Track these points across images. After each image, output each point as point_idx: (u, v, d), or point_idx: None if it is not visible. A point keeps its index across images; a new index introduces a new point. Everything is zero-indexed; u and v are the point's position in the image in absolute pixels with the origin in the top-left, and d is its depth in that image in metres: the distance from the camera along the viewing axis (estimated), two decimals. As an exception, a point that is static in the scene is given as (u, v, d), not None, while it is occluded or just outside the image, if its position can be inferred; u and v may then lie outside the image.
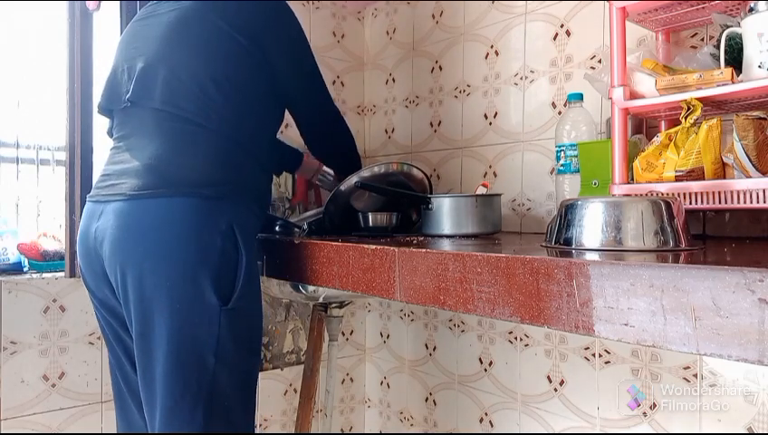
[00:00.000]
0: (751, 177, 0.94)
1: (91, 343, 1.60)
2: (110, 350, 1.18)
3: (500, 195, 1.32)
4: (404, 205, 1.37)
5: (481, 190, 1.38)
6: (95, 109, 1.32)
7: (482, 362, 1.72)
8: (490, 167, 1.70)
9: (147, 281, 0.99)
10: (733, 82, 0.94)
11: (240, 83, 1.09)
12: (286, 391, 1.95)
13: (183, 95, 1.06)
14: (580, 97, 1.28)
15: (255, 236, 1.14)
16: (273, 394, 1.91)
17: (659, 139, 1.04)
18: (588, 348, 1.43)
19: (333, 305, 1.64)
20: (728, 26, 0.99)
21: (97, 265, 1.07)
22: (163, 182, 1.02)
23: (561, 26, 1.50)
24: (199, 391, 0.99)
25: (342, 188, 1.28)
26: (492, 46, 1.69)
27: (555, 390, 1.51)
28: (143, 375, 1.03)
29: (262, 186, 1.19)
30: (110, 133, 1.21)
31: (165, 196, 1.01)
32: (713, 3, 1.07)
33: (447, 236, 1.23)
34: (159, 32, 1.11)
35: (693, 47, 1.24)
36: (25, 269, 1.56)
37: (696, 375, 1.22)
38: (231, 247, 1.03)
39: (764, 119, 0.95)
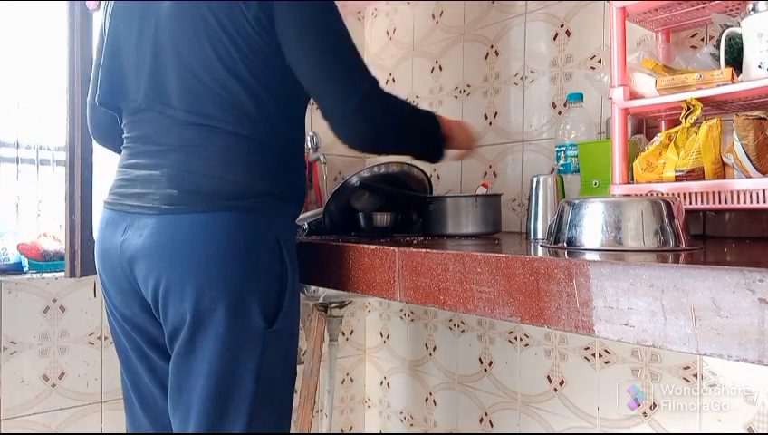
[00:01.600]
0: (751, 177, 0.94)
1: (91, 343, 1.60)
2: (126, 366, 1.09)
3: (500, 195, 1.33)
4: (404, 205, 1.36)
5: (481, 190, 1.39)
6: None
7: (482, 362, 1.72)
8: (490, 167, 1.70)
9: (188, 302, 0.91)
10: (733, 82, 0.94)
11: (265, 75, 0.95)
12: (286, 391, 1.95)
13: (207, 99, 0.94)
14: (580, 97, 1.28)
15: (295, 245, 1.04)
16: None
17: (659, 139, 1.04)
18: (588, 348, 1.43)
19: (333, 305, 1.64)
20: (728, 26, 0.99)
21: (124, 281, 0.98)
22: (199, 195, 0.92)
23: (561, 26, 1.50)
24: (237, 417, 0.94)
25: (341, 187, 1.27)
26: (492, 46, 1.69)
27: (555, 390, 1.51)
28: (178, 395, 0.97)
29: (299, 186, 1.07)
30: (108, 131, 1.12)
31: (203, 210, 0.92)
32: (713, 3, 1.07)
33: (448, 236, 1.23)
34: (163, 9, 0.96)
35: (693, 47, 1.24)
36: (25, 269, 1.56)
37: (696, 375, 1.22)
38: (277, 263, 0.95)
39: (764, 119, 0.95)
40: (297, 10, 0.93)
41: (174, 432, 0.99)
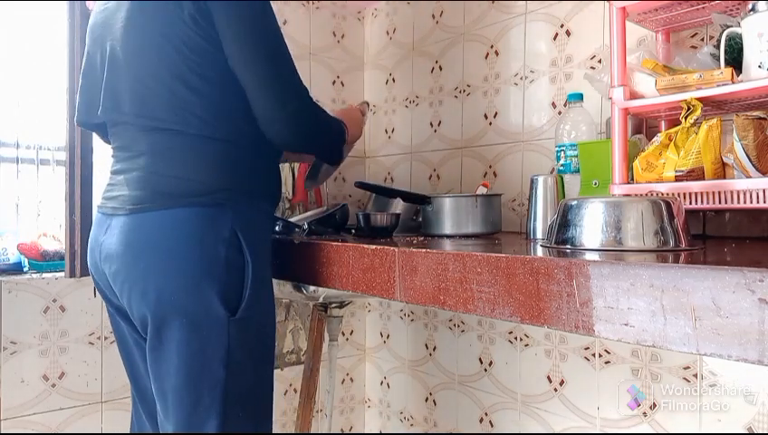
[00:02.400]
0: (751, 177, 0.94)
1: (91, 343, 1.60)
2: (125, 358, 1.15)
3: (500, 195, 1.33)
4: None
5: (481, 190, 1.39)
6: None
7: (482, 362, 1.72)
8: (490, 167, 1.70)
9: (151, 296, 0.96)
10: (733, 82, 0.94)
11: (213, 76, 0.99)
12: (286, 391, 1.95)
13: (154, 104, 1.00)
14: (580, 97, 1.28)
15: (266, 238, 1.08)
16: (274, 394, 1.91)
17: (659, 139, 1.04)
18: (588, 348, 1.43)
19: (333, 305, 1.64)
20: (728, 26, 0.99)
21: (104, 279, 1.05)
22: (160, 195, 0.98)
23: (561, 26, 1.50)
24: (212, 404, 0.98)
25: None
26: (492, 46, 1.69)
27: (555, 390, 1.51)
28: (156, 387, 1.01)
29: (265, 180, 1.11)
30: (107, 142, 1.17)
31: (162, 208, 0.98)
32: (713, 3, 1.07)
33: (448, 236, 1.23)
34: (116, 32, 1.03)
35: (693, 47, 1.24)
36: (25, 269, 1.56)
37: (696, 375, 1.22)
38: (236, 255, 0.99)
39: (764, 119, 0.95)
40: (233, 11, 0.97)
41: (158, 423, 1.04)
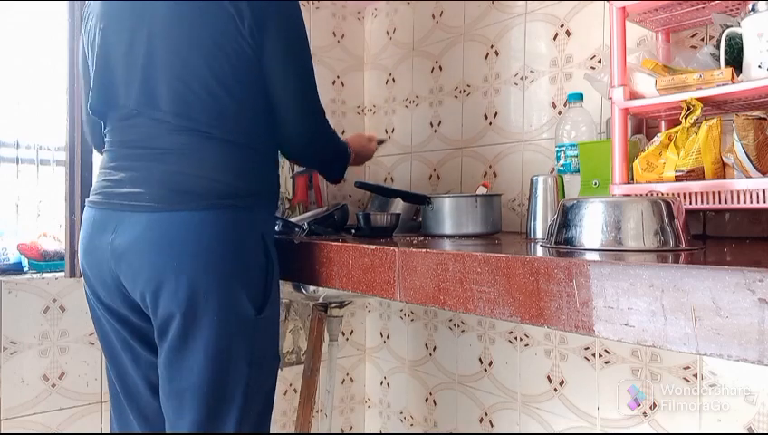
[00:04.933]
0: (751, 177, 0.93)
1: (91, 343, 1.60)
2: (110, 358, 1.13)
3: (500, 195, 1.33)
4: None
5: (481, 190, 1.39)
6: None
7: (482, 362, 1.72)
8: (490, 167, 1.70)
9: (183, 295, 0.96)
10: (733, 82, 0.94)
11: (250, 85, 1.04)
12: (286, 391, 1.95)
13: (195, 106, 1.00)
14: (580, 97, 1.28)
15: (275, 240, 1.13)
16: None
17: (659, 139, 1.04)
18: (588, 348, 1.43)
19: (333, 305, 1.64)
20: (728, 26, 0.99)
21: (109, 278, 1.02)
22: (186, 194, 0.98)
23: (561, 26, 1.50)
24: (233, 400, 1.00)
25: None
26: (492, 46, 1.69)
27: (555, 390, 1.51)
28: (170, 387, 1.01)
29: (275, 187, 1.17)
30: (100, 134, 1.13)
31: (193, 209, 0.98)
32: (713, 3, 1.07)
33: (448, 236, 1.23)
34: (156, 22, 1.01)
35: (693, 47, 1.24)
36: (25, 269, 1.56)
37: (696, 375, 1.22)
38: (262, 256, 1.04)
39: (764, 119, 0.95)
40: (287, 33, 1.06)
41: (167, 423, 1.04)
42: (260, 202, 1.06)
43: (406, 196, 1.37)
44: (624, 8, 1.07)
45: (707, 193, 0.97)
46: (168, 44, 1.00)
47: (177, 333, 0.98)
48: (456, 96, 1.81)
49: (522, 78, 1.61)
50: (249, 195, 1.04)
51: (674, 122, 1.12)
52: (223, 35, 0.99)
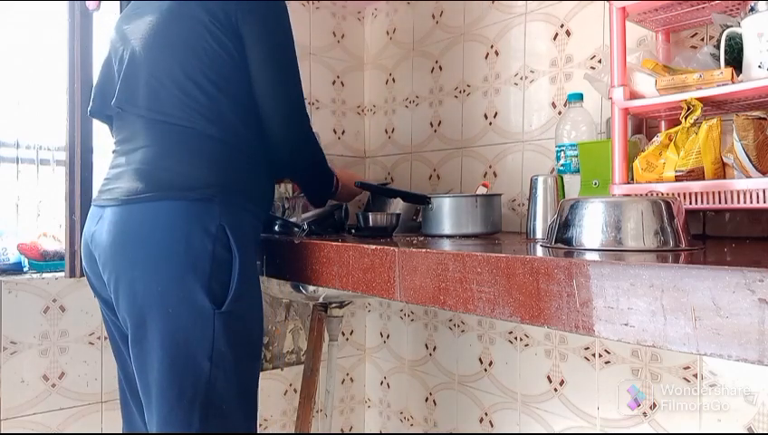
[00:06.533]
0: (751, 177, 0.94)
1: (91, 343, 1.60)
2: (115, 352, 1.17)
3: (500, 195, 1.33)
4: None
5: (481, 190, 1.39)
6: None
7: (482, 362, 1.72)
8: (490, 167, 1.70)
9: (138, 287, 0.98)
10: (733, 82, 0.94)
11: (222, 82, 1.06)
12: (286, 391, 1.95)
13: (166, 100, 1.05)
14: (580, 97, 1.28)
15: (254, 237, 1.11)
16: (273, 394, 1.91)
17: (659, 139, 1.04)
18: (588, 348, 1.43)
19: (333, 305, 1.64)
20: (728, 26, 0.99)
21: (97, 269, 1.07)
22: (152, 186, 1.01)
23: (561, 26, 1.50)
24: (195, 396, 0.98)
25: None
26: (492, 46, 1.69)
27: (555, 390, 1.51)
28: (140, 380, 1.03)
29: (259, 184, 1.14)
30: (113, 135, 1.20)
31: (153, 200, 1.00)
32: (713, 3, 1.07)
33: (448, 236, 1.23)
34: (141, 32, 1.09)
35: (693, 47, 1.24)
36: (25, 269, 1.56)
37: (696, 375, 1.22)
38: (222, 249, 1.01)
39: (764, 119, 0.95)
40: (266, 39, 1.08)
41: (147, 423, 1.05)
42: (226, 193, 1.04)
43: (406, 196, 1.37)
44: (624, 8, 1.07)
45: (707, 193, 0.97)
46: (147, 48, 1.08)
47: (136, 326, 1.00)
48: (456, 96, 1.81)
49: (522, 78, 1.61)
50: (210, 186, 1.02)
51: (674, 122, 1.12)
52: (191, 33, 1.05)
